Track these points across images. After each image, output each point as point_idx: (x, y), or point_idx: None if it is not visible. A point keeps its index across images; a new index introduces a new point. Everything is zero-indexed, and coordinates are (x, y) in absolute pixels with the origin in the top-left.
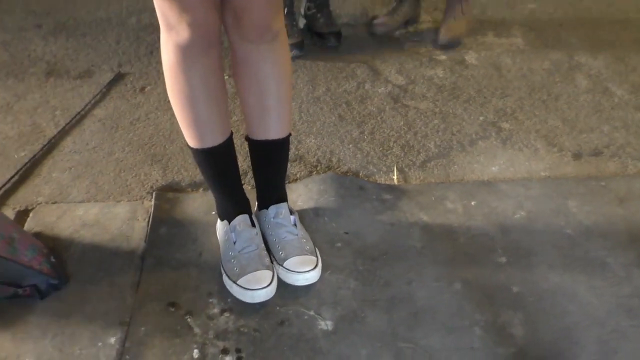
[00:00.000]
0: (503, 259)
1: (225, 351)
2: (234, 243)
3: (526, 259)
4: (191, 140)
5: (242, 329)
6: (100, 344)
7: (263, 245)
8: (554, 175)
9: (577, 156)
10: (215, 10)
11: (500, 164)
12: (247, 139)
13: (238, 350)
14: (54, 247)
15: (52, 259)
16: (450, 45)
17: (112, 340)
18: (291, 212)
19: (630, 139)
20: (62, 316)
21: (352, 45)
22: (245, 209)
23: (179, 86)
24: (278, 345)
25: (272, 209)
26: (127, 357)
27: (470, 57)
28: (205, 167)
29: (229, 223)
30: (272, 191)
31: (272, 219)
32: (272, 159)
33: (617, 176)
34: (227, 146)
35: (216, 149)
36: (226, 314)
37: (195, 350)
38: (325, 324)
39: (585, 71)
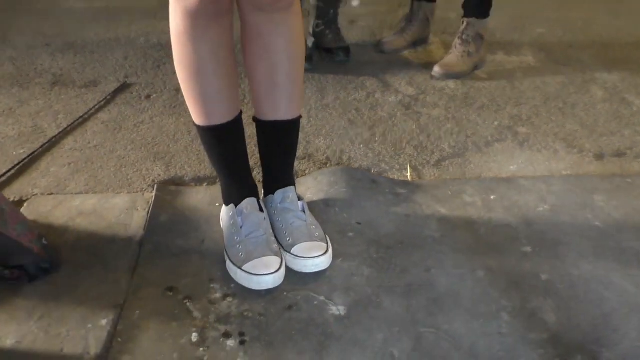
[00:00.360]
0: (528, 249)
1: (227, 335)
2: (241, 228)
3: (553, 248)
4: (198, 117)
5: (246, 314)
6: (90, 325)
7: (271, 231)
8: (576, 173)
9: (599, 157)
10: None
11: (519, 163)
12: (255, 119)
13: (241, 334)
14: (47, 234)
15: (44, 241)
16: (444, 79)
17: (104, 322)
18: (299, 199)
19: None
20: (50, 299)
21: (361, 61)
22: (253, 193)
23: (186, 57)
24: (285, 329)
25: (279, 194)
26: (119, 339)
27: (481, 73)
28: (212, 147)
29: (236, 207)
30: (279, 175)
31: (278, 204)
32: (280, 142)
33: None
34: (236, 125)
35: (224, 127)
36: (229, 299)
37: (194, 334)
38: (338, 309)
39: (600, 84)
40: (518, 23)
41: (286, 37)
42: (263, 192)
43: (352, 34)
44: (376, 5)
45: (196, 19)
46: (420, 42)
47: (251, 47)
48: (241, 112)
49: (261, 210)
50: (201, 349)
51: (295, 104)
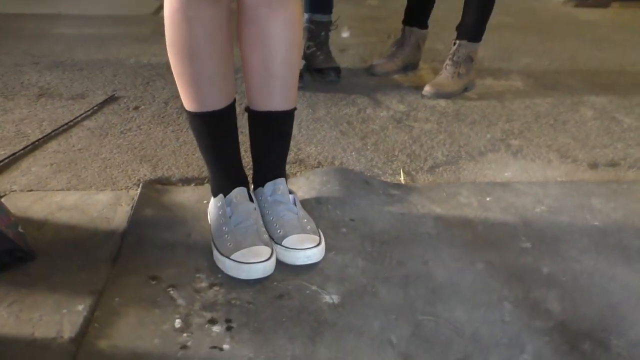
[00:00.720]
0: (528, 244)
1: (212, 321)
2: (229, 217)
3: (554, 244)
4: (189, 102)
5: (233, 302)
6: (65, 310)
7: (262, 222)
8: (571, 180)
9: (593, 166)
10: None
11: (514, 171)
12: (248, 110)
13: (228, 321)
14: (24, 227)
15: (20, 229)
16: (435, 97)
17: (80, 307)
18: (290, 192)
19: None
20: (24, 286)
21: (352, 82)
22: (243, 183)
23: (180, 37)
24: (276, 316)
25: (269, 186)
26: (96, 325)
27: (471, 94)
28: (203, 134)
29: (225, 197)
30: (270, 168)
31: (268, 197)
32: (274, 134)
33: (639, 180)
34: (229, 112)
35: (217, 114)
36: (215, 288)
37: (178, 320)
38: (331, 298)
39: (589, 105)
40: (505, 54)
41: (284, 23)
42: (253, 185)
43: (342, 60)
44: (366, 36)
45: None
46: (410, 67)
47: (247, 32)
48: (235, 100)
49: (251, 200)
50: (185, 334)
51: (291, 95)
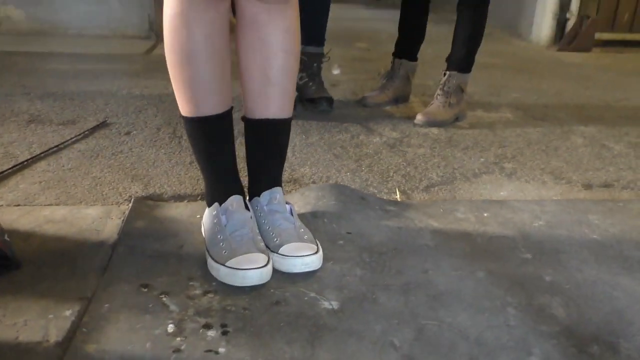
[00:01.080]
0: (528, 255)
1: (207, 326)
2: (225, 226)
3: (554, 255)
4: (186, 106)
5: (228, 308)
6: (51, 316)
7: (257, 230)
8: (567, 199)
9: (587, 186)
10: None
11: (509, 191)
12: (244, 119)
13: (223, 325)
14: (10, 238)
15: (6, 237)
16: (427, 126)
17: (67, 313)
18: (287, 203)
19: (639, 176)
20: (8, 293)
21: (344, 112)
22: (239, 191)
23: (179, 41)
24: (273, 322)
25: (265, 195)
26: (84, 330)
27: (462, 123)
28: (199, 141)
29: (220, 206)
30: (267, 177)
31: (265, 206)
32: (270, 142)
33: (635, 199)
34: (226, 118)
35: (213, 120)
36: (210, 295)
37: (171, 325)
38: (330, 304)
39: (579, 134)
40: (494, 90)
41: (282, 30)
42: (248, 195)
43: (334, 94)
44: (356, 73)
45: (193, 0)
46: (401, 99)
47: (245, 38)
48: (232, 108)
49: (247, 209)
50: (178, 338)
51: (288, 102)
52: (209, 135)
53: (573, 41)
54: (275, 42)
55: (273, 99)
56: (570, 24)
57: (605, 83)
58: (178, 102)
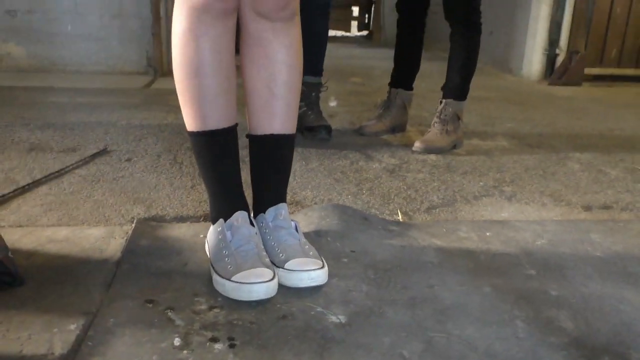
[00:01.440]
0: (532, 272)
1: (214, 339)
2: (230, 241)
3: (559, 271)
4: (192, 121)
5: (235, 322)
6: (55, 330)
7: (262, 246)
8: (568, 219)
9: (587, 208)
10: None
11: (510, 212)
12: (249, 136)
13: (231, 339)
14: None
15: (10, 254)
16: (425, 152)
17: (72, 327)
18: (291, 220)
19: (638, 198)
20: (11, 308)
21: (342, 141)
22: (243, 207)
23: (187, 55)
24: (280, 335)
25: (271, 212)
26: (90, 343)
27: (460, 151)
28: (204, 155)
29: (225, 222)
30: (272, 193)
31: (270, 222)
32: (275, 158)
33: (635, 220)
34: (231, 134)
35: (219, 134)
36: (215, 310)
37: (177, 339)
38: (337, 318)
39: (575, 160)
40: (488, 120)
41: (286, 47)
42: (253, 212)
43: (332, 123)
44: (352, 106)
45: (201, 16)
46: (398, 128)
47: (250, 55)
48: (237, 125)
49: (252, 224)
50: (185, 351)
51: (292, 118)
52: (215, 149)
53: (563, 76)
54: (279, 58)
55: (277, 114)
56: (559, 60)
57: (597, 114)
58: (185, 118)
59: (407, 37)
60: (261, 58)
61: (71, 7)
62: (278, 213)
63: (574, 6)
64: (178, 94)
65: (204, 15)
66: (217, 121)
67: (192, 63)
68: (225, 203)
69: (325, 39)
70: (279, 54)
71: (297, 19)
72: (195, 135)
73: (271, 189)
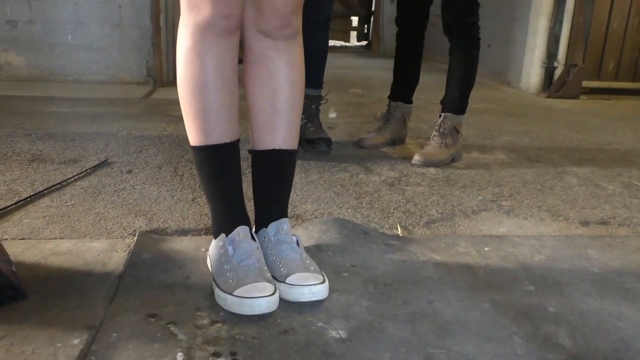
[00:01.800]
0: (531, 287)
1: (216, 354)
2: (231, 256)
3: (557, 287)
4: (196, 136)
5: (237, 337)
6: (59, 344)
7: (264, 261)
8: (566, 234)
9: (584, 223)
10: None
11: (508, 227)
12: (251, 151)
13: (233, 354)
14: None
15: (14, 268)
16: (424, 166)
17: (76, 341)
18: (293, 235)
19: (635, 214)
20: (15, 321)
21: (342, 153)
22: (245, 221)
23: (191, 72)
24: (282, 350)
25: (273, 226)
26: (93, 358)
27: (459, 164)
28: (207, 170)
29: (227, 236)
30: (274, 208)
31: (272, 237)
32: (277, 173)
33: (633, 235)
34: (233, 149)
35: (221, 148)
36: (218, 325)
37: (180, 354)
38: (338, 333)
39: (573, 174)
40: (487, 133)
41: (289, 64)
42: (255, 226)
43: (331, 136)
44: (352, 117)
45: (205, 34)
46: (397, 141)
47: (253, 72)
48: (239, 140)
49: (253, 239)
50: None
51: (294, 134)
52: (217, 163)
53: (561, 89)
54: (282, 76)
55: (280, 130)
56: (557, 73)
57: (595, 128)
58: (188, 133)
59: (406, 51)
60: (264, 75)
61: (72, 17)
62: (280, 228)
63: (572, 20)
64: (182, 109)
65: (208, 33)
66: (220, 136)
67: (196, 80)
68: (227, 217)
69: (326, 51)
70: (281, 72)
71: (300, 38)
72: (198, 149)
73: (273, 204)
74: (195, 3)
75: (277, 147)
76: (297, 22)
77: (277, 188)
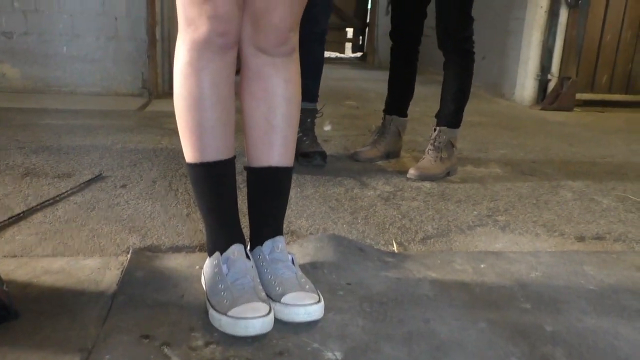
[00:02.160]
0: (527, 305)
1: None
2: (226, 275)
3: (553, 305)
4: (191, 152)
5: (231, 359)
6: None
7: (259, 280)
8: (561, 250)
9: (580, 239)
10: (237, 7)
11: (504, 243)
12: (247, 168)
13: None
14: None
15: (5, 288)
16: (419, 180)
17: None
18: (288, 253)
19: (630, 229)
20: (5, 343)
21: (337, 167)
22: (240, 240)
23: (187, 87)
24: None
25: (268, 244)
26: None
27: (454, 178)
28: (202, 186)
29: (221, 255)
30: (269, 225)
31: (267, 255)
32: (273, 190)
33: (628, 251)
34: (229, 166)
35: (217, 165)
36: (212, 346)
37: None
38: (334, 354)
39: (568, 188)
40: (482, 146)
41: (286, 81)
42: (250, 244)
43: (326, 149)
44: (347, 130)
45: (202, 50)
46: (392, 154)
47: (250, 88)
48: (235, 157)
49: (248, 258)
50: None
51: (290, 151)
52: (213, 181)
53: (555, 101)
54: (279, 92)
55: (276, 146)
56: (551, 85)
57: (589, 140)
58: (184, 149)
59: (401, 65)
60: (260, 92)
61: (67, 28)
62: (275, 246)
63: (565, 33)
64: (178, 125)
65: (205, 50)
66: (215, 153)
67: (192, 96)
68: (221, 235)
69: (322, 65)
70: (278, 88)
71: (296, 55)
72: (193, 166)
73: (268, 222)
74: (192, 20)
75: (273, 164)
76: (295, 39)
77: (272, 206)
